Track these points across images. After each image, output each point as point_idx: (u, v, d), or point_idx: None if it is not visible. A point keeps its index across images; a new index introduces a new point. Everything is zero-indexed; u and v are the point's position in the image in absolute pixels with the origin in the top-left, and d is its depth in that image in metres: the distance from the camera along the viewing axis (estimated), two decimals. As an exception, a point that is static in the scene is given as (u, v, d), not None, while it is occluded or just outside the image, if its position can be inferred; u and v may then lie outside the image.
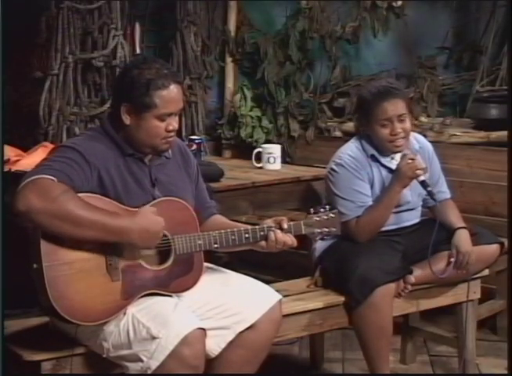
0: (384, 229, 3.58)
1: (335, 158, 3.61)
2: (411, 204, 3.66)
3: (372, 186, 3.56)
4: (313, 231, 2.97)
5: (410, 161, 3.45)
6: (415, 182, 3.50)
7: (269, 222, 2.94)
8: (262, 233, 2.90)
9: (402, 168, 3.46)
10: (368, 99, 3.54)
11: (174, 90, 2.83)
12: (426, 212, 3.81)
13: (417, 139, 3.74)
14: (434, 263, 3.54)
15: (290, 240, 2.92)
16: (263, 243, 2.93)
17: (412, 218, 3.71)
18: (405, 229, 3.67)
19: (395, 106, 3.48)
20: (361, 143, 3.60)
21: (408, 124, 3.52)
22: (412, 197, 3.64)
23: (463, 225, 3.61)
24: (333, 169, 3.58)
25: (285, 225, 2.91)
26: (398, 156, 3.55)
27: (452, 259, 3.54)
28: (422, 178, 3.47)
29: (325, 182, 3.68)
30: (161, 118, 2.83)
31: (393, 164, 3.57)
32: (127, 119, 2.83)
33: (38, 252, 2.64)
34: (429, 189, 3.48)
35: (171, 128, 2.85)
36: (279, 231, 2.90)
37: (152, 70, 2.82)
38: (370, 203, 3.54)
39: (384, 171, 3.59)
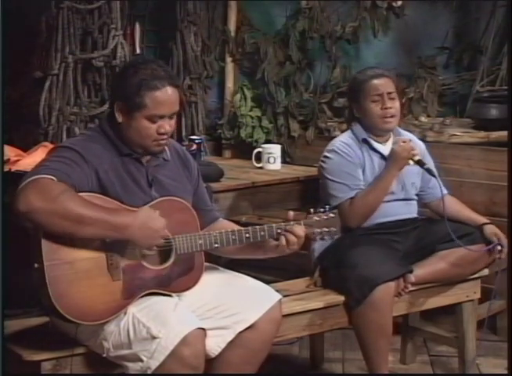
0: (381, 220, 3.63)
1: (328, 147, 3.73)
2: (406, 194, 3.70)
3: (363, 172, 3.63)
4: (313, 231, 2.97)
5: (403, 144, 3.57)
6: (407, 170, 3.60)
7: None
8: (262, 233, 2.90)
9: (397, 149, 3.57)
10: (361, 79, 3.71)
11: (167, 92, 2.81)
12: (424, 212, 3.82)
13: (408, 135, 3.82)
14: (434, 262, 3.56)
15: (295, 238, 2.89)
16: (273, 245, 2.92)
17: (410, 211, 3.74)
18: (403, 224, 3.68)
19: (386, 84, 3.66)
20: (352, 130, 3.72)
21: (397, 104, 3.67)
22: (407, 186, 3.69)
23: (487, 221, 3.71)
24: (325, 156, 3.70)
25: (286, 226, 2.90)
26: (389, 142, 3.67)
27: (499, 247, 3.62)
28: (418, 157, 3.58)
29: (318, 171, 3.76)
30: (152, 119, 2.80)
31: (384, 150, 3.66)
32: (119, 117, 2.83)
33: (40, 252, 2.64)
34: (426, 166, 3.57)
35: (162, 130, 2.82)
36: (287, 233, 2.89)
37: (147, 70, 2.80)
38: (362, 187, 3.60)
39: (376, 157, 3.67)
